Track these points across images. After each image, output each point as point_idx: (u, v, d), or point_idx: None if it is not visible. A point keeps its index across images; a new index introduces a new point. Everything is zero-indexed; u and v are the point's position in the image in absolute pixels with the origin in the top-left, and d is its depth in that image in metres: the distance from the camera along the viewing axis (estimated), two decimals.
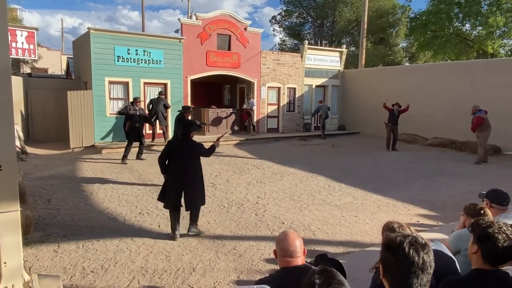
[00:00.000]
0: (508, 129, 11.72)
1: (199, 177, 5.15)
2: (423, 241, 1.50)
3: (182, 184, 4.99)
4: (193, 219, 5.18)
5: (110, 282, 3.90)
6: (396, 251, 1.46)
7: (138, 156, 10.43)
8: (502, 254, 1.91)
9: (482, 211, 2.96)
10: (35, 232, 5.09)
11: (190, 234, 5.12)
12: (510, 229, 1.99)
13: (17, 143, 9.87)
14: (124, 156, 10.05)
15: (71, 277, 4.00)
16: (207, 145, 5.32)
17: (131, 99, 13.03)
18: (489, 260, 1.94)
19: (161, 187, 5.31)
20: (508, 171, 9.70)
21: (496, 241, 1.91)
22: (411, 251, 1.44)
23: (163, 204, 5.21)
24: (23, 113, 12.83)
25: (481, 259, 1.96)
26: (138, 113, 10.06)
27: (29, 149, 10.89)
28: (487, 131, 10.49)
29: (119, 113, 10.79)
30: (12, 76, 12.34)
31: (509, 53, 22.67)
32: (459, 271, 2.37)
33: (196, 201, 5.08)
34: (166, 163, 5.14)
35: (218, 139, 5.51)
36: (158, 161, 5.21)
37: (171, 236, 5.02)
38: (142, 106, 11.32)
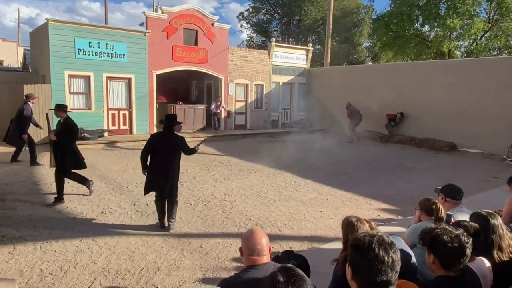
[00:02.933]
0: (463, 126, 12.39)
1: (178, 172, 5.30)
2: (390, 240, 1.55)
3: (167, 177, 5.06)
4: (174, 212, 5.27)
5: (70, 284, 3.76)
6: (366, 252, 1.48)
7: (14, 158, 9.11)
8: (456, 254, 1.92)
9: (434, 206, 3.13)
10: None
11: (169, 229, 5.20)
12: (453, 228, 2.03)
13: None
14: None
15: (28, 280, 3.81)
16: None
17: (93, 94, 12.62)
18: (447, 265, 1.94)
19: (144, 184, 5.27)
20: (463, 166, 10.26)
21: (445, 243, 1.92)
22: (380, 251, 1.47)
23: (153, 194, 5.29)
24: None
25: (441, 268, 1.97)
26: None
27: None
28: (356, 119, 14.54)
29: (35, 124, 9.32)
30: None
31: (464, 54, 23.91)
32: (416, 264, 2.48)
33: (176, 192, 5.26)
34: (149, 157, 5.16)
35: (198, 145, 5.50)
36: (141, 155, 5.19)
37: (160, 225, 5.27)
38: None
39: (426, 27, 23.62)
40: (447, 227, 2.03)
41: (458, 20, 19.92)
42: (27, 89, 10.98)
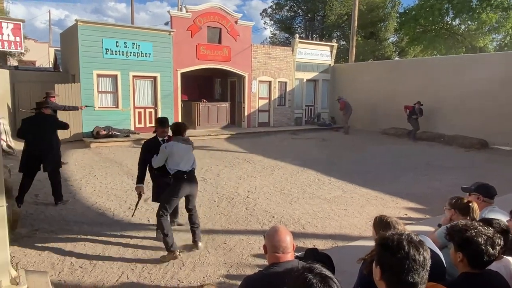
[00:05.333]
0: (495, 123, 11.91)
1: None
2: (418, 238, 1.51)
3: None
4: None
5: (98, 277, 3.88)
6: (396, 251, 1.45)
7: None
8: (487, 255, 1.88)
9: (469, 205, 2.99)
10: (22, 227, 5.02)
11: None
12: (486, 227, 1.96)
13: (3, 137, 9.70)
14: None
15: (59, 272, 3.96)
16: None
17: (120, 92, 12.93)
18: (476, 265, 1.91)
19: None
20: (494, 164, 9.87)
21: (478, 245, 1.87)
22: (411, 250, 1.44)
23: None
24: (10, 106, 12.60)
25: (468, 266, 1.93)
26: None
27: (16, 144, 10.71)
28: (349, 111, 15.24)
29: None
30: None
31: (497, 48, 22.96)
32: (445, 265, 2.41)
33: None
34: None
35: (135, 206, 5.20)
36: (138, 166, 4.82)
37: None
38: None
39: (457, 21, 22.83)
40: (479, 227, 1.96)
41: (493, 14, 19.12)
42: (58, 88, 11.38)
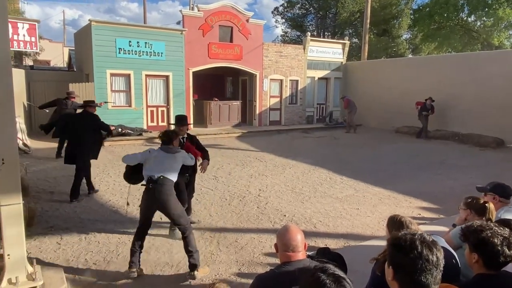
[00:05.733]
0: (511, 121, 11.65)
1: None
2: (431, 238, 1.50)
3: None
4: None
5: (112, 274, 3.93)
6: (409, 251, 1.44)
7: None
8: (504, 256, 1.86)
9: (486, 205, 2.93)
10: (38, 224, 5.13)
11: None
12: (502, 228, 1.94)
13: (20, 135, 9.90)
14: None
15: (74, 269, 4.03)
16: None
17: (133, 92, 13.07)
18: (492, 266, 1.89)
19: None
20: (509, 164, 9.66)
21: (494, 246, 1.85)
22: (424, 250, 1.43)
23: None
24: (26, 105, 12.85)
25: (484, 267, 1.90)
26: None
27: (32, 142, 10.93)
28: (353, 110, 15.04)
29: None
30: (14, 69, 12.19)
31: None
32: (459, 265, 2.37)
33: None
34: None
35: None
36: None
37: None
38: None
39: (472, 17, 22.41)
40: (495, 227, 1.93)
41: (510, 10, 18.71)
42: (73, 87, 11.56)
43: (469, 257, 1.97)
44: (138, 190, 6.84)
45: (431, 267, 1.41)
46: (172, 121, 5.61)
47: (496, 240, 1.86)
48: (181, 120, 4.93)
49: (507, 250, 1.84)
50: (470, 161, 9.98)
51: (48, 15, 79.13)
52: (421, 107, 13.37)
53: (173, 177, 3.98)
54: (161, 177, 3.85)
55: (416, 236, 1.47)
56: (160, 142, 4.18)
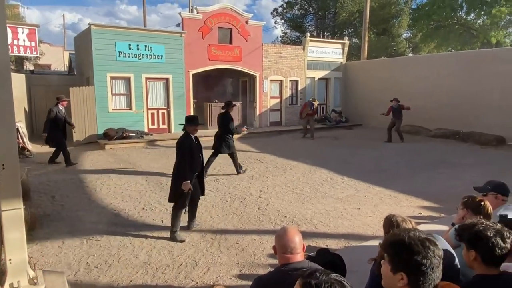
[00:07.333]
0: None
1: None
2: (429, 236, 1.51)
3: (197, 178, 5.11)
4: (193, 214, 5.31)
5: (113, 277, 3.95)
6: (408, 249, 1.45)
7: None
8: (499, 248, 1.86)
9: (482, 204, 2.95)
10: (40, 228, 5.15)
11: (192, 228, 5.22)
12: (493, 223, 1.96)
13: (20, 140, 9.93)
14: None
15: (76, 272, 4.04)
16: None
17: (133, 94, 13.09)
18: (491, 261, 1.88)
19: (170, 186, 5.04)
20: (511, 161, 9.64)
21: (488, 238, 1.86)
22: (422, 247, 1.44)
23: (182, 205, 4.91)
24: (26, 110, 12.89)
25: (482, 264, 1.90)
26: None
27: (33, 146, 10.96)
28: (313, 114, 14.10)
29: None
30: (15, 73, 12.25)
31: None
32: (459, 265, 2.37)
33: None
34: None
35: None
36: (184, 167, 4.79)
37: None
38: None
39: (472, 15, 22.38)
40: (486, 222, 1.97)
41: (505, 8, 18.68)
42: (73, 91, 11.61)
43: (466, 256, 1.97)
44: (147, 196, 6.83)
45: (432, 265, 1.43)
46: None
47: (489, 233, 1.87)
48: (193, 119, 5.08)
49: (502, 242, 1.85)
50: (472, 159, 9.97)
51: (48, 19, 79.37)
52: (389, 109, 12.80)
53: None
54: None
55: (414, 234, 1.49)
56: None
